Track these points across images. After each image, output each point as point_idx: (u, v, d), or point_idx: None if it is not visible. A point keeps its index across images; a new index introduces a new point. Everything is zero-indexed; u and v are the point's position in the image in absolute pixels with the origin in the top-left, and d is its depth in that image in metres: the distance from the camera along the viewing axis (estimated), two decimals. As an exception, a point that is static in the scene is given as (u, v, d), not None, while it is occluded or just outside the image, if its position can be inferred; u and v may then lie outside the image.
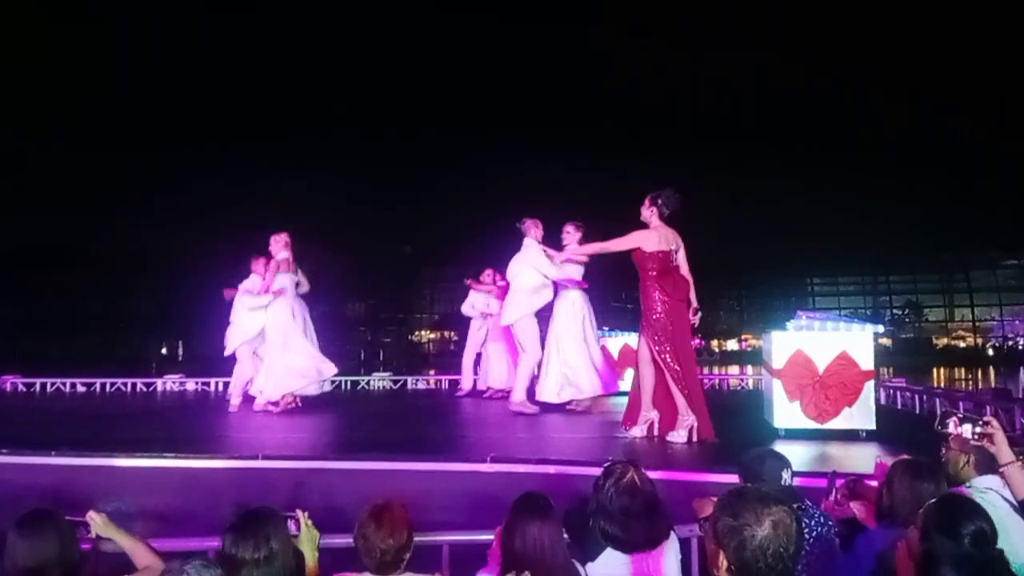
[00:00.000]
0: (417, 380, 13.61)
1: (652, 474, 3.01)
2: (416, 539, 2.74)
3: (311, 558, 2.75)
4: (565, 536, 2.75)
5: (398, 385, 13.10)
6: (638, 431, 6.05)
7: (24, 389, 12.33)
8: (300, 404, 8.09)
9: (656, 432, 6.00)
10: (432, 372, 16.50)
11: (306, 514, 2.86)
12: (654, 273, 5.91)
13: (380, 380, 13.29)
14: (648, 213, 6.01)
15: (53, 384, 12.38)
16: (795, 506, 1.95)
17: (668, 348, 5.82)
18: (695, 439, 5.76)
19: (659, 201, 5.99)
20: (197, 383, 12.67)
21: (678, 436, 5.80)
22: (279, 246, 8.15)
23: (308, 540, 2.78)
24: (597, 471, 4.35)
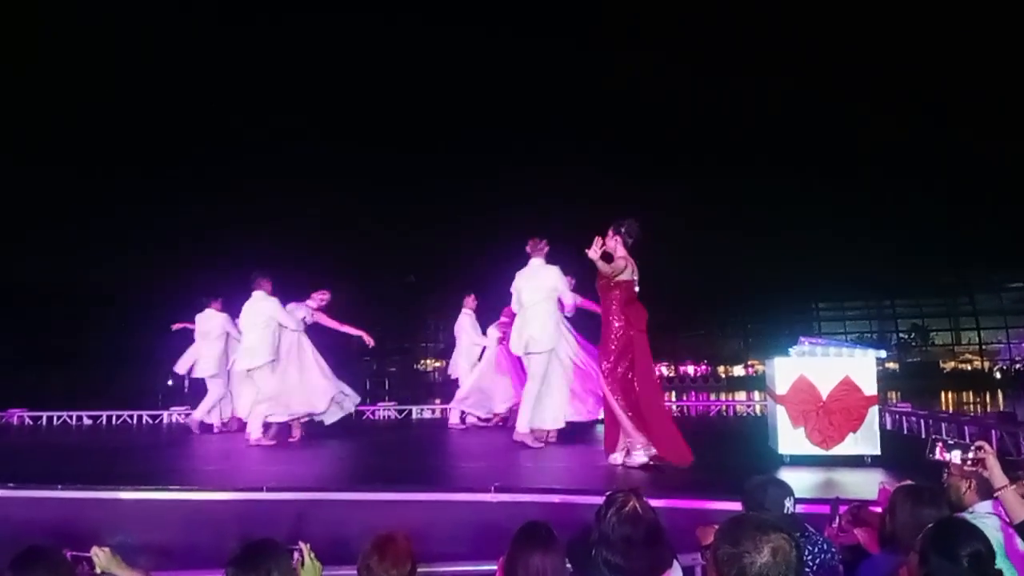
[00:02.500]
0: (422, 409, 13.58)
1: (655, 502, 3.01)
2: (420, 570, 2.75)
3: (314, 590, 2.76)
4: (568, 566, 2.75)
5: (403, 414, 13.08)
6: (617, 457, 6.03)
7: (31, 423, 12.33)
8: (300, 436, 8.12)
9: (633, 462, 5.96)
10: (438, 401, 16.46)
11: (308, 546, 2.86)
12: (617, 304, 5.98)
13: (385, 410, 13.28)
14: (613, 243, 6.05)
15: (59, 417, 12.39)
16: (796, 534, 1.96)
17: (629, 375, 5.91)
18: (653, 463, 5.81)
19: (623, 230, 6.08)
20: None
21: (632, 459, 5.86)
22: (323, 302, 8.68)
23: (311, 572, 2.78)
24: (601, 500, 4.37)
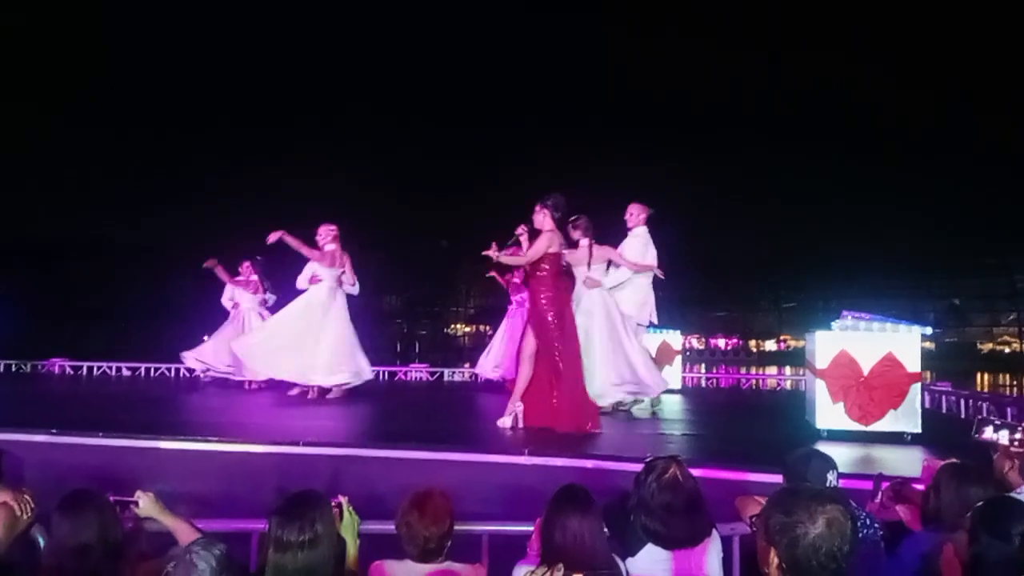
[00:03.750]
0: (454, 373, 13.67)
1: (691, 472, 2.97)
2: (456, 528, 2.75)
3: (353, 544, 2.77)
4: (605, 530, 2.73)
5: (435, 377, 13.17)
6: (506, 421, 6.17)
7: (72, 372, 12.63)
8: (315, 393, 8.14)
9: (521, 424, 6.17)
10: (467, 365, 16.56)
11: (347, 500, 2.88)
12: (545, 274, 6.19)
13: (417, 372, 13.39)
14: (540, 218, 6.26)
15: (100, 368, 12.68)
16: (851, 506, 1.91)
17: (549, 342, 6.12)
18: (521, 425, 6.11)
19: (549, 204, 6.25)
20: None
21: (505, 422, 6.13)
22: (327, 239, 8.21)
23: (350, 526, 2.80)
24: (634, 466, 4.34)
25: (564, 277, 6.27)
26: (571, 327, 6.25)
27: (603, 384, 6.84)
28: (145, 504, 2.91)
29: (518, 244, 6.42)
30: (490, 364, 10.30)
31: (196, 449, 5.10)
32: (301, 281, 8.53)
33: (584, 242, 7.06)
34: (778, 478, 3.55)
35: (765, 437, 6.11)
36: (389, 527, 2.99)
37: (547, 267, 6.18)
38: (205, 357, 9.95)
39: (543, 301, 6.16)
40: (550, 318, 6.12)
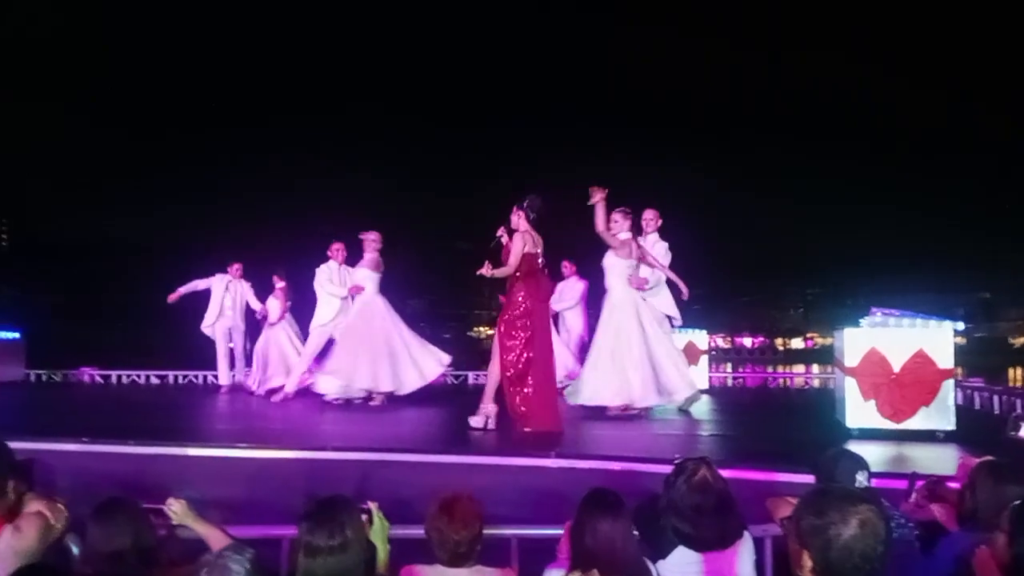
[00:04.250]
0: (478, 375, 13.65)
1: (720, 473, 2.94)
2: (485, 532, 2.74)
3: (383, 549, 2.77)
4: (635, 533, 2.71)
5: (459, 380, 13.17)
6: (478, 422, 6.23)
7: (100, 380, 12.80)
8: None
9: (493, 425, 6.22)
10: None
11: (376, 505, 2.88)
12: (520, 274, 6.22)
13: (442, 375, 13.36)
14: (516, 219, 6.30)
15: (128, 376, 12.83)
16: (884, 506, 1.88)
17: (524, 345, 6.14)
18: (492, 427, 6.19)
19: (525, 205, 6.29)
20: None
21: (476, 421, 6.21)
22: (377, 245, 8.44)
23: (380, 532, 2.80)
24: (662, 468, 4.30)
25: (540, 276, 6.31)
26: (543, 327, 6.29)
27: (639, 388, 6.86)
28: (178, 510, 2.93)
29: (501, 246, 6.47)
30: None
31: (224, 456, 5.14)
32: (340, 290, 8.58)
33: (626, 236, 7.10)
34: (809, 478, 3.52)
35: (794, 437, 6.04)
36: (417, 531, 2.99)
37: (523, 267, 6.21)
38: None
39: (519, 300, 6.20)
40: (523, 318, 6.18)
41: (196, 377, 12.62)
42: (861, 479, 2.98)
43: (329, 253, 8.93)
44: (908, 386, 5.82)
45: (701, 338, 10.33)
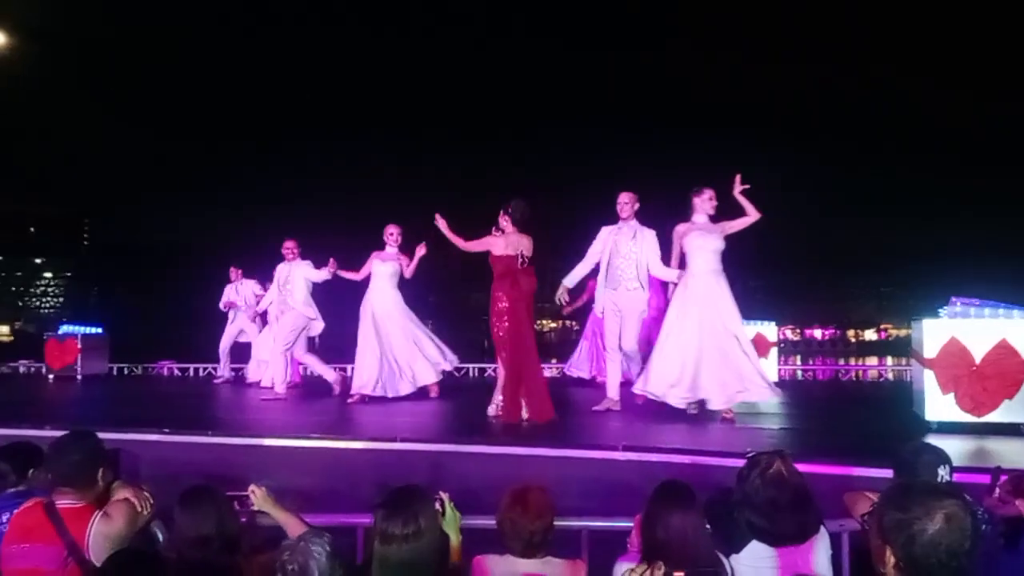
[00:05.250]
0: (544, 368, 13.65)
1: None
2: (555, 524, 2.75)
3: (455, 539, 2.81)
4: (707, 527, 2.68)
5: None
6: (491, 410, 6.68)
7: (179, 373, 13.28)
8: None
9: (500, 413, 6.53)
10: (554, 361, 16.53)
11: (447, 496, 2.92)
12: (496, 274, 6.65)
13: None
14: (503, 222, 6.69)
15: (204, 369, 13.27)
16: (970, 501, 1.82)
17: (505, 338, 6.51)
18: (500, 415, 6.47)
19: (510, 211, 6.66)
20: (335, 369, 13.28)
21: (491, 410, 6.67)
22: (393, 238, 8.31)
23: (452, 522, 2.83)
24: (732, 462, 4.26)
25: (517, 275, 6.60)
26: (524, 325, 6.58)
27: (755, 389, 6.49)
28: (259, 497, 3.03)
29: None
30: (585, 364, 10.21)
31: (299, 446, 5.28)
32: (393, 278, 8.57)
33: (703, 219, 6.75)
34: (886, 473, 3.42)
35: (870, 430, 5.89)
36: (486, 522, 3.03)
37: (499, 268, 6.63)
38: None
39: (497, 297, 6.61)
40: (501, 314, 6.57)
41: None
42: (943, 473, 2.89)
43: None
44: (990, 378, 5.60)
45: (770, 330, 10.13)
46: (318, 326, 9.25)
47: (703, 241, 6.63)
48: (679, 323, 6.55)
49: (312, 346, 9.79)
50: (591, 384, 9.57)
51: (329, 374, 9.17)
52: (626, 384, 8.49)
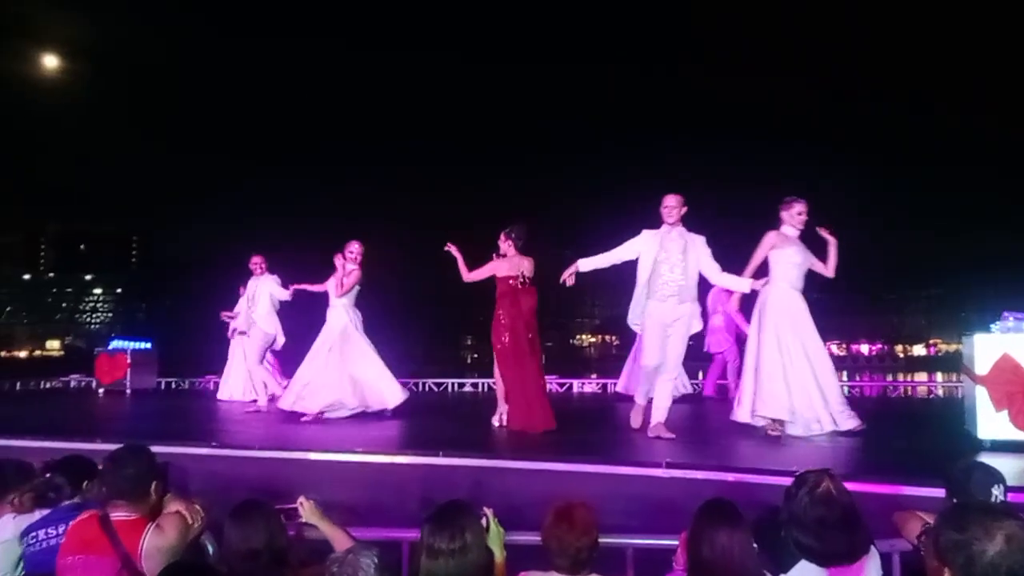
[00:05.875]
0: (583, 383, 13.63)
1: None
2: (600, 541, 2.74)
3: (499, 554, 2.82)
4: (754, 546, 2.65)
5: (564, 388, 13.18)
6: (495, 421, 7.15)
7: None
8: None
9: (505, 423, 7.02)
10: (594, 376, 16.49)
11: (492, 512, 2.93)
12: (498, 294, 7.06)
13: (547, 383, 13.41)
14: (505, 246, 7.10)
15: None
16: None
17: (504, 352, 6.95)
18: (504, 424, 6.99)
19: (512, 235, 7.07)
20: (282, 387, 13.42)
21: (495, 420, 7.17)
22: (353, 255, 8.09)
23: (496, 537, 2.85)
24: (777, 480, 4.20)
25: (517, 294, 6.99)
26: (523, 340, 6.95)
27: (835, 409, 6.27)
28: (307, 509, 3.08)
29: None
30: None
31: (342, 460, 5.33)
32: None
33: (792, 232, 6.50)
34: (937, 492, 3.35)
35: (920, 448, 5.75)
36: (527, 538, 3.03)
37: (500, 287, 7.05)
38: None
39: (499, 315, 7.01)
40: (505, 332, 6.97)
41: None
42: (997, 493, 2.82)
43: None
44: (1046, 395, 5.43)
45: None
46: (279, 340, 9.39)
47: (797, 256, 6.41)
48: (779, 343, 6.26)
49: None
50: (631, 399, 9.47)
51: (263, 396, 9.15)
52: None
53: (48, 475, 3.40)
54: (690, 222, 6.47)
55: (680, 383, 9.41)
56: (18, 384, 14.13)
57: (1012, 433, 5.51)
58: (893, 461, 5.25)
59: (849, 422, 6.19)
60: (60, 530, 3.05)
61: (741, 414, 6.50)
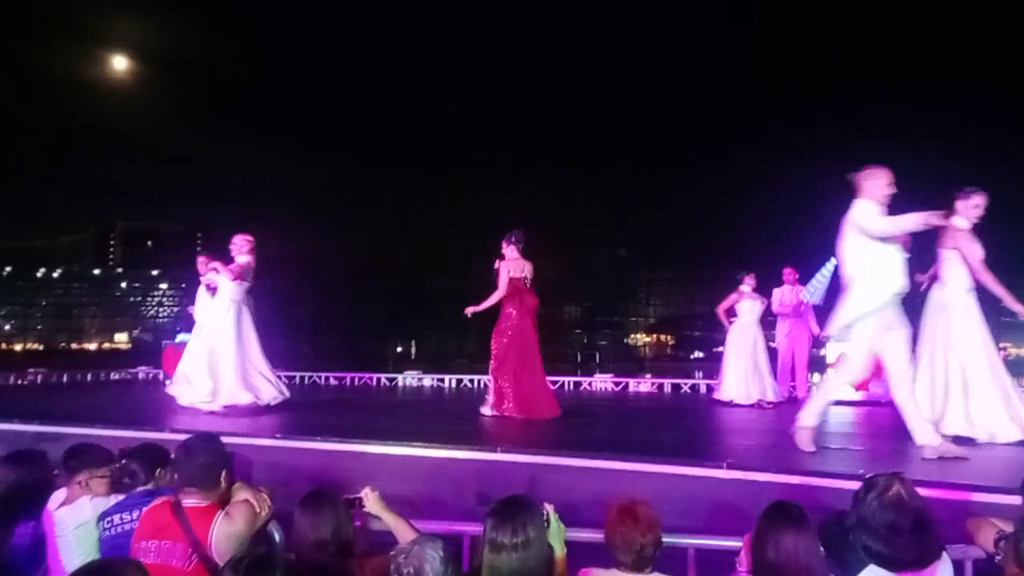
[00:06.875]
0: (639, 383, 13.55)
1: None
2: (663, 541, 2.72)
3: (560, 550, 2.83)
4: (821, 549, 2.61)
5: (620, 387, 13.12)
6: (486, 410, 7.71)
7: (286, 381, 13.78)
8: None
9: (498, 412, 7.57)
10: (648, 376, 16.40)
11: (552, 507, 2.93)
12: (507, 294, 7.71)
13: (602, 382, 13.40)
14: (508, 251, 7.81)
15: (310, 377, 13.78)
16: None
17: (505, 346, 7.62)
18: (497, 413, 7.55)
19: (513, 239, 7.81)
20: (433, 379, 13.74)
21: (485, 410, 7.72)
22: (244, 249, 8.18)
23: (557, 533, 2.85)
24: (845, 483, 4.10)
25: (524, 293, 7.74)
26: (528, 334, 7.68)
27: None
28: (372, 500, 3.13)
29: (496, 273, 7.79)
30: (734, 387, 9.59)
31: (403, 454, 5.39)
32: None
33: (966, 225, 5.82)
34: (1012, 500, 3.24)
35: (991, 454, 5.55)
36: (585, 535, 3.02)
37: (509, 288, 7.70)
38: None
39: (509, 313, 7.68)
40: (509, 327, 7.66)
41: (370, 379, 13.40)
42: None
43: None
44: None
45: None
46: None
47: (976, 251, 5.80)
48: (984, 351, 5.86)
49: None
50: (733, 405, 9.31)
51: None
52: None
53: (123, 461, 3.53)
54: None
55: (770, 387, 9.47)
56: (88, 376, 14.68)
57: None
58: (965, 467, 5.04)
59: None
60: (134, 515, 3.16)
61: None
